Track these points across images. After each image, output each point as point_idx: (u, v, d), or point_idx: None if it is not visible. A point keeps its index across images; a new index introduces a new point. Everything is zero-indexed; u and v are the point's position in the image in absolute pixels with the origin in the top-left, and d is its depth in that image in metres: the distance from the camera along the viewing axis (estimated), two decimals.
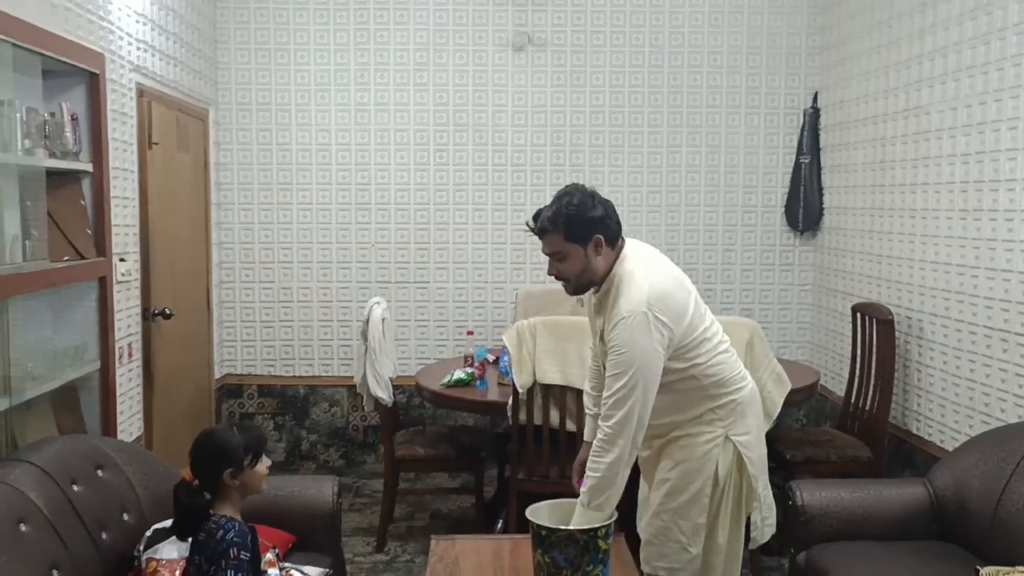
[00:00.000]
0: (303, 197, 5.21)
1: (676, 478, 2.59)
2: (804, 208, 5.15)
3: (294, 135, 5.18)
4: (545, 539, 2.29)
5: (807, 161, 5.14)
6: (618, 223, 2.54)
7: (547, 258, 2.57)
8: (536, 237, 2.56)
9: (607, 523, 2.32)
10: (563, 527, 2.28)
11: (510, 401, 3.65)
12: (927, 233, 3.95)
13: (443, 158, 5.22)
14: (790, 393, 3.57)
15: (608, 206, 2.53)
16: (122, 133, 3.72)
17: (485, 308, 5.27)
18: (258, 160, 5.18)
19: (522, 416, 3.64)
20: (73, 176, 3.33)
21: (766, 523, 2.76)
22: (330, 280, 5.25)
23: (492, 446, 4.44)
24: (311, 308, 5.27)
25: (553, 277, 2.59)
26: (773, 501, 2.79)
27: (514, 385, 3.57)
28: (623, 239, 2.56)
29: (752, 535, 2.75)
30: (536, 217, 2.55)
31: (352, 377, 5.12)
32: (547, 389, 3.60)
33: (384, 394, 3.93)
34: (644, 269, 2.48)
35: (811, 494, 3.08)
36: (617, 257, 2.53)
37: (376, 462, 5.29)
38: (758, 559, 3.75)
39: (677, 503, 2.59)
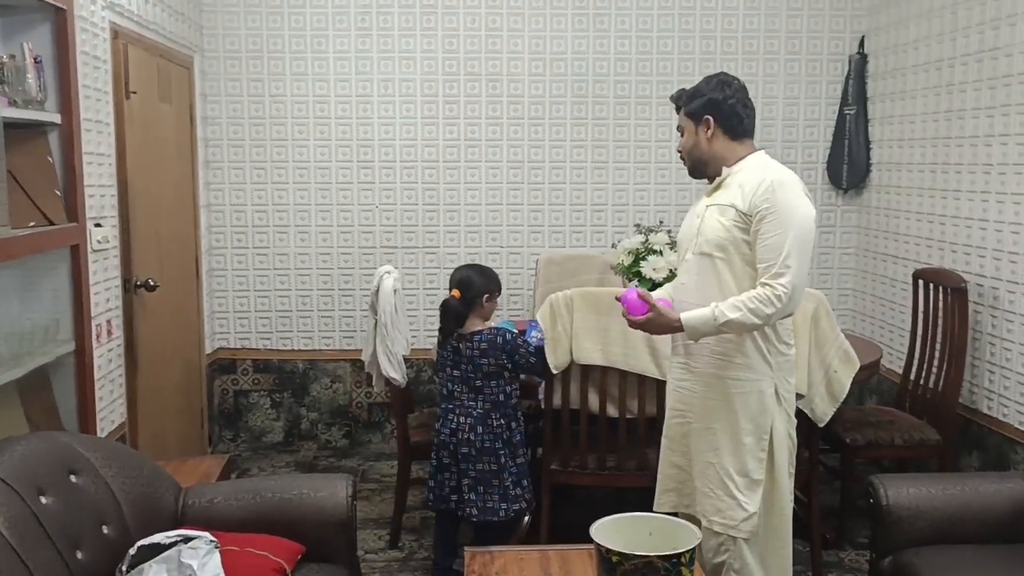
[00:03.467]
0: (299, 155, 4.74)
1: (729, 429, 2.51)
2: (849, 164, 4.72)
3: (289, 86, 4.69)
4: (617, 567, 1.88)
5: (852, 112, 4.69)
6: (745, 120, 2.56)
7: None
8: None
9: (691, 548, 1.91)
10: (640, 554, 1.87)
11: (542, 383, 3.24)
12: (1004, 191, 3.53)
13: (453, 111, 4.74)
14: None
15: (740, 100, 2.54)
16: (95, 80, 3.24)
17: (501, 275, 4.78)
18: (249, 114, 4.70)
19: (556, 400, 3.23)
20: (38, 128, 2.87)
21: None
22: (330, 245, 4.80)
23: None
24: (310, 276, 4.82)
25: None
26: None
27: (548, 365, 3.16)
28: (754, 145, 2.58)
29: None
30: None
31: (355, 350, 4.71)
32: (586, 370, 3.19)
33: (397, 374, 3.51)
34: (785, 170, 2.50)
35: (897, 491, 2.68)
36: (746, 153, 2.54)
37: (382, 442, 4.89)
38: (818, 553, 3.37)
39: (730, 457, 2.51)
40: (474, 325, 3.21)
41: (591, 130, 4.76)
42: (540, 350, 3.16)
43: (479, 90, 4.74)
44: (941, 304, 3.70)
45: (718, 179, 2.57)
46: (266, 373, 4.88)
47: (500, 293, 3.32)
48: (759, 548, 2.57)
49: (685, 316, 2.44)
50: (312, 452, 4.84)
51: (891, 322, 4.47)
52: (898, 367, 4.14)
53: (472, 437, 3.15)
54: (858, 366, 3.16)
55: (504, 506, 3.16)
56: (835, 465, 3.81)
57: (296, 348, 4.87)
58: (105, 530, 2.32)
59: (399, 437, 3.70)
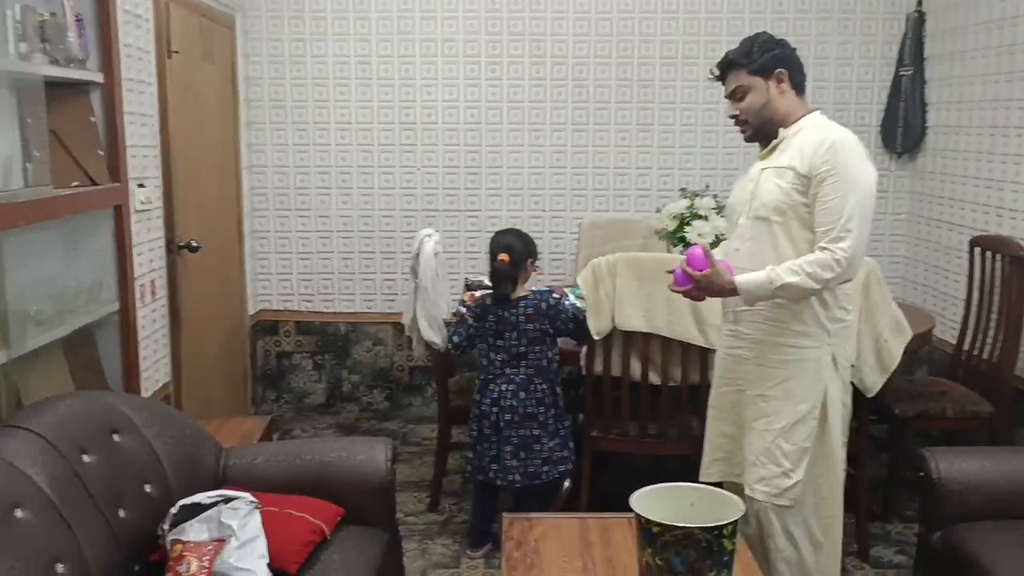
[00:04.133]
0: (341, 116, 4.70)
1: (783, 396, 2.46)
2: (904, 128, 4.56)
3: (331, 46, 4.65)
4: (657, 537, 1.84)
5: (909, 74, 4.52)
6: (803, 74, 2.53)
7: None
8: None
9: (733, 520, 1.86)
10: (681, 525, 1.82)
11: (584, 349, 3.20)
12: None
13: (496, 72, 4.67)
14: None
15: (795, 53, 2.52)
16: (136, 39, 3.23)
17: (543, 239, 4.77)
18: (291, 74, 4.67)
19: (598, 367, 3.18)
20: (80, 88, 2.85)
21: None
22: (372, 208, 4.78)
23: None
24: (352, 238, 4.81)
25: (732, 121, 2.58)
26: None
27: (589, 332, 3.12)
28: (808, 105, 2.53)
29: None
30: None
31: (397, 314, 4.70)
32: (628, 336, 3.13)
33: (438, 338, 3.49)
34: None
35: (950, 465, 2.60)
36: (805, 112, 2.49)
37: (423, 405, 4.89)
38: (864, 525, 3.31)
39: (782, 424, 2.46)
40: (518, 291, 3.21)
41: (636, 91, 4.65)
42: (579, 315, 3.12)
43: (522, 50, 4.65)
44: (998, 272, 3.57)
45: (774, 142, 2.51)
46: (308, 335, 4.90)
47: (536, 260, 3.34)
48: (803, 517, 2.52)
49: (739, 279, 2.40)
50: (354, 414, 4.87)
51: (944, 291, 4.34)
52: (951, 337, 4.03)
53: (515, 403, 3.14)
54: (910, 336, 3.08)
55: (546, 469, 3.15)
56: (883, 437, 3.72)
57: (338, 311, 4.87)
58: (147, 489, 2.33)
59: (439, 401, 3.69)
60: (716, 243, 3.28)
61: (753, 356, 2.52)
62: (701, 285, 2.45)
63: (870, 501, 3.45)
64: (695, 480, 2.41)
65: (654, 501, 1.94)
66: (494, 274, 3.23)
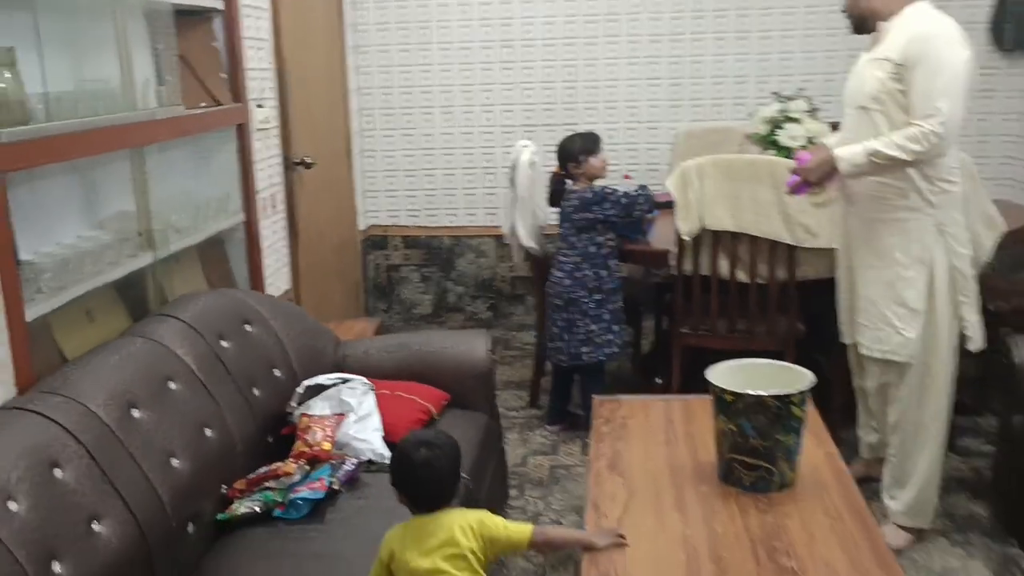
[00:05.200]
0: (443, 36, 4.86)
1: (889, 264, 2.64)
2: (1014, 24, 4.41)
3: None
4: (731, 405, 2.01)
5: None
6: None
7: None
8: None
9: (803, 390, 2.01)
10: (753, 392, 1.98)
11: (673, 249, 3.33)
12: None
13: None
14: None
15: None
16: None
17: (638, 150, 4.87)
18: None
19: (687, 266, 3.32)
20: (203, 15, 3.11)
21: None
22: (472, 125, 4.96)
23: (650, 297, 4.15)
24: (454, 155, 5.01)
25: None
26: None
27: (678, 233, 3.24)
28: None
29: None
30: None
31: (498, 227, 4.90)
32: (716, 236, 3.25)
33: (536, 243, 3.67)
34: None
35: None
36: (907, 3, 2.58)
37: (524, 314, 5.12)
38: (949, 416, 3.37)
39: (892, 290, 2.64)
40: (576, 187, 3.48)
41: None
42: (630, 199, 3.38)
43: None
44: None
45: (875, 34, 2.66)
46: (415, 249, 5.17)
47: (598, 151, 3.49)
48: (919, 379, 2.69)
49: (838, 150, 2.62)
50: (459, 323, 5.14)
51: None
52: None
53: (560, 289, 3.45)
54: (1002, 230, 3.07)
55: (586, 350, 3.44)
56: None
57: (442, 224, 5.11)
58: (276, 372, 2.63)
59: (538, 304, 3.90)
60: (808, 146, 3.33)
61: (863, 231, 2.73)
62: (808, 168, 2.68)
63: (964, 395, 3.50)
64: None
65: (729, 376, 2.10)
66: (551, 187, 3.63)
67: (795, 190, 2.77)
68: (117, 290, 2.56)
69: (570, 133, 3.62)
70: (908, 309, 2.63)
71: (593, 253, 3.42)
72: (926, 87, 2.46)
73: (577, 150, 3.47)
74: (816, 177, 2.69)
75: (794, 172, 2.74)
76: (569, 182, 3.54)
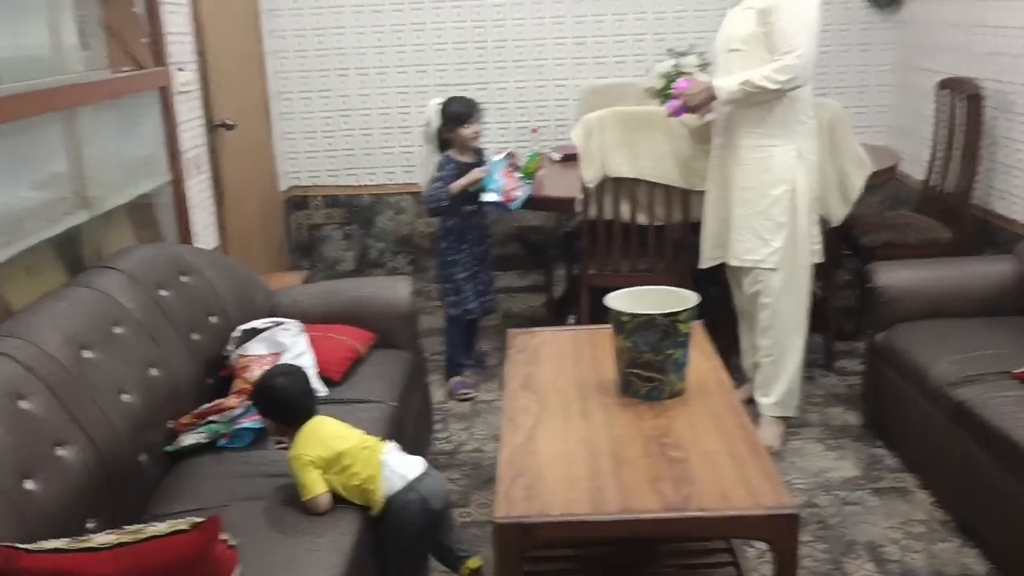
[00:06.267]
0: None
1: (757, 185, 3.04)
2: None
3: None
4: (626, 325, 2.30)
5: None
6: None
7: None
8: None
9: (687, 308, 2.30)
10: (644, 312, 2.27)
11: (579, 196, 3.60)
12: None
13: None
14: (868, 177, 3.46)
15: None
16: None
17: (547, 106, 5.12)
18: None
19: (592, 211, 3.60)
20: None
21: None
22: (388, 85, 5.13)
23: (560, 244, 4.43)
24: (371, 115, 5.18)
25: None
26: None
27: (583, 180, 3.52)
28: None
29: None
30: None
31: (416, 183, 5.11)
32: (617, 183, 3.53)
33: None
34: None
35: (890, 275, 3.03)
36: None
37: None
38: (831, 343, 3.76)
39: (759, 207, 3.04)
40: (457, 154, 3.63)
41: None
42: (429, 193, 3.62)
43: None
44: (958, 111, 3.89)
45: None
46: (336, 208, 5.34)
47: (469, 122, 3.58)
48: (784, 283, 3.08)
49: (716, 80, 3.02)
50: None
51: (921, 134, 4.64)
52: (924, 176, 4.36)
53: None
54: (870, 169, 3.43)
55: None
56: (855, 267, 4.12)
57: (362, 183, 5.29)
58: (212, 319, 2.82)
59: None
60: None
61: (736, 157, 3.10)
62: (689, 94, 3.07)
63: (844, 324, 3.89)
64: None
65: (627, 301, 2.39)
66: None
67: (675, 113, 3.15)
68: (53, 248, 2.71)
69: (455, 95, 3.70)
70: (775, 222, 3.03)
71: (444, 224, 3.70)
72: (785, 27, 2.86)
73: (448, 117, 3.60)
74: (695, 103, 3.07)
75: (674, 97, 3.11)
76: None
